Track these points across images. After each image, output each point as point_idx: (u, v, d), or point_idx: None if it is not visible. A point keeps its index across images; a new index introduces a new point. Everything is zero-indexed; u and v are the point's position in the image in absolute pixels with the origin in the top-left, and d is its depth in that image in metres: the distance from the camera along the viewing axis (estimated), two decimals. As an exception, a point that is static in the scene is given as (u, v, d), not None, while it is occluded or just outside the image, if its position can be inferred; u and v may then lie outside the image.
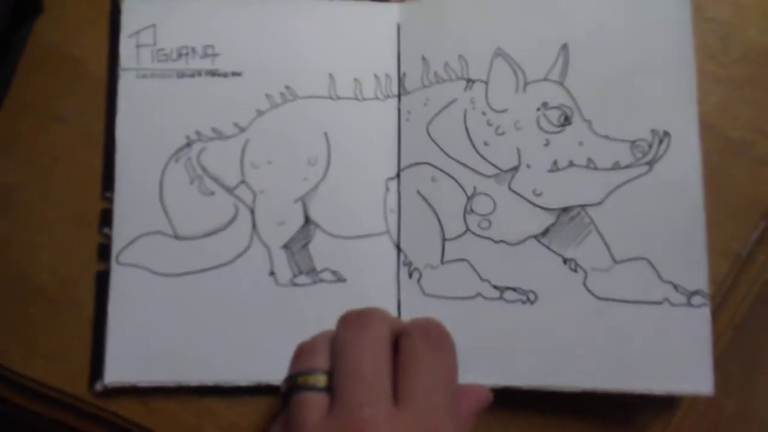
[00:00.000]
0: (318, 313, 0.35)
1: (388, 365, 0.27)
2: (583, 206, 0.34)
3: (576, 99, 0.35)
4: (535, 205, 0.35)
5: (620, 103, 0.35)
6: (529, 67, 0.35)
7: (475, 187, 0.35)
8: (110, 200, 0.36)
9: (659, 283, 0.33)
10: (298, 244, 0.36)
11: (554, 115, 0.35)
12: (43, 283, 0.36)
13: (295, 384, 0.27)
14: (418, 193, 0.36)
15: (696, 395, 0.33)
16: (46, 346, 0.36)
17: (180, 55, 0.37)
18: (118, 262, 0.36)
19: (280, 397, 0.28)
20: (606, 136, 0.34)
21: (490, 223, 0.35)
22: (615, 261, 0.34)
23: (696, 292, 0.33)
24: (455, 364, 0.28)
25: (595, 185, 0.34)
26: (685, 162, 0.34)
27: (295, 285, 0.36)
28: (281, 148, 0.37)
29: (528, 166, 0.35)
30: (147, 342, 0.35)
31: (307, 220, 0.36)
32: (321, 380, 0.27)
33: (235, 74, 0.37)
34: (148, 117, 0.37)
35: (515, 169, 0.35)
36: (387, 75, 0.37)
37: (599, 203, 0.34)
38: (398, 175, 0.36)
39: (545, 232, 0.34)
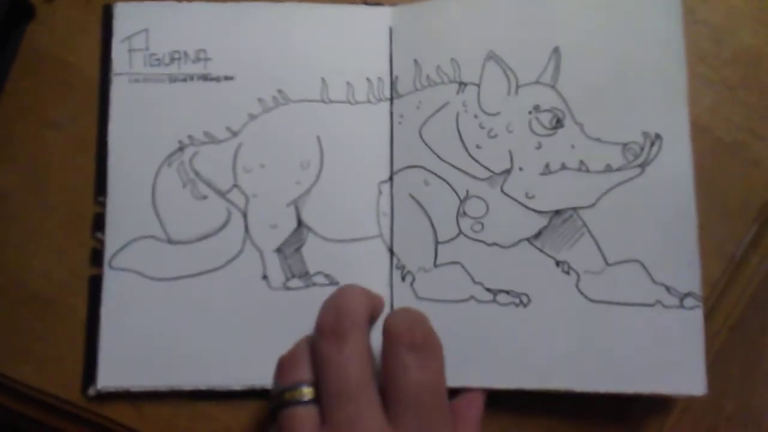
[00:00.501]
0: (311, 317, 0.34)
1: (371, 374, 0.27)
2: (575, 209, 0.34)
3: (567, 102, 0.35)
4: (528, 208, 0.35)
5: (612, 106, 0.35)
6: (521, 70, 0.35)
7: (467, 190, 0.35)
8: (103, 205, 0.36)
9: (652, 286, 0.33)
10: (291, 248, 0.36)
11: (546, 118, 0.35)
12: (36, 288, 0.36)
13: (282, 400, 0.28)
14: (411, 196, 0.36)
15: (689, 396, 0.33)
16: (38, 350, 0.36)
17: (172, 59, 0.37)
18: (111, 266, 0.36)
19: (268, 413, 0.28)
20: (598, 139, 0.34)
21: (482, 225, 0.35)
22: (607, 263, 0.34)
23: (688, 294, 0.33)
24: (442, 364, 0.28)
25: (587, 188, 0.34)
26: (676, 164, 0.34)
27: (288, 289, 0.36)
28: (274, 152, 0.37)
29: (520, 169, 0.35)
30: (140, 346, 0.35)
31: (300, 223, 0.36)
32: (307, 393, 0.27)
33: (227, 78, 0.37)
34: (140, 121, 0.37)
35: (507, 172, 0.35)
36: (379, 78, 0.37)
37: (591, 206, 0.34)
38: (391, 179, 0.36)
39: (538, 235, 0.34)
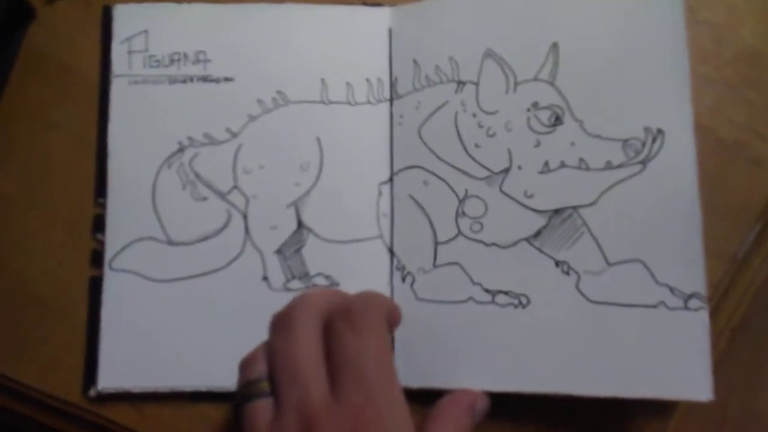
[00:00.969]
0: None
1: (320, 359, 0.27)
2: (575, 208, 0.34)
3: (567, 98, 0.34)
4: (527, 207, 0.34)
5: (612, 103, 0.34)
6: (519, 67, 0.35)
7: (466, 190, 0.35)
8: (103, 206, 0.36)
9: (654, 286, 0.33)
10: (291, 249, 0.36)
11: (545, 116, 0.35)
12: (37, 289, 0.36)
13: (241, 396, 0.28)
14: (410, 197, 0.36)
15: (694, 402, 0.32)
16: (39, 352, 0.36)
17: (172, 61, 0.37)
18: (111, 267, 0.36)
19: (233, 413, 0.29)
20: (598, 136, 0.34)
21: (481, 225, 0.35)
22: (608, 263, 0.33)
23: (693, 295, 0.32)
24: (382, 341, 0.28)
25: (587, 186, 0.34)
26: (680, 162, 0.33)
27: (288, 290, 0.36)
28: (273, 153, 0.37)
29: (519, 168, 0.35)
30: (140, 348, 0.35)
31: (300, 224, 0.36)
32: (264, 387, 0.28)
33: (227, 80, 0.37)
34: (140, 123, 0.37)
35: (506, 171, 0.35)
36: (379, 79, 0.37)
37: (591, 204, 0.34)
38: (391, 179, 0.36)
39: (537, 235, 0.34)
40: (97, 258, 0.36)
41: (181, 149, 0.37)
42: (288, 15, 0.38)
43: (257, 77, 0.37)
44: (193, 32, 0.38)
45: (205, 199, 0.36)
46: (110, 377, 0.35)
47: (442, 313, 0.34)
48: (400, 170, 0.36)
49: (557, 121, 0.34)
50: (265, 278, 0.36)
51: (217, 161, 0.36)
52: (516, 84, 0.35)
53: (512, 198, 0.34)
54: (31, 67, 0.38)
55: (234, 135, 0.37)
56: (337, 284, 0.36)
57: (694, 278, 0.32)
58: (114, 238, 0.36)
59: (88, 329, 0.35)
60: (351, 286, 0.36)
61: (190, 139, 0.37)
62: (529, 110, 0.35)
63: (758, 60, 0.37)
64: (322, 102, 0.37)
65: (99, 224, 0.36)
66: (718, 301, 0.35)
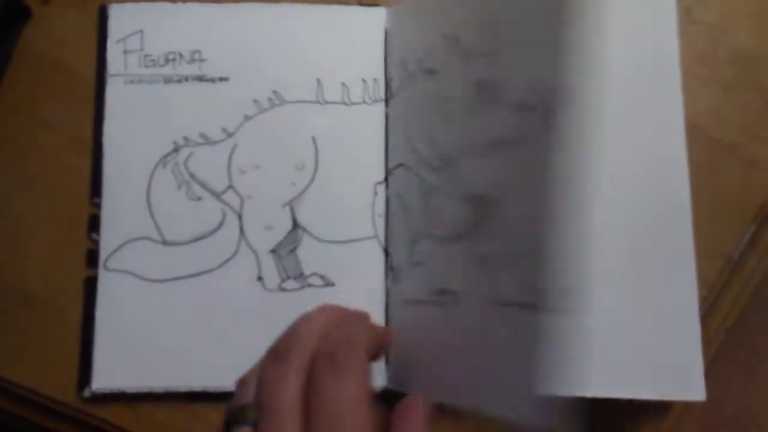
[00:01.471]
0: (306, 318, 0.34)
1: (300, 399, 0.28)
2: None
3: None
4: (464, 198, 0.31)
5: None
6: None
7: (430, 185, 0.34)
8: (98, 206, 0.36)
9: (644, 287, 0.33)
10: (286, 249, 0.36)
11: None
12: (32, 290, 0.36)
13: (230, 417, 0.29)
14: (398, 195, 0.36)
15: (689, 403, 0.33)
16: (34, 351, 0.36)
17: (167, 60, 0.37)
18: (106, 267, 0.35)
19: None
20: None
21: (441, 221, 0.33)
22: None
23: (682, 297, 0.32)
24: (361, 385, 0.28)
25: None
26: (672, 163, 0.33)
27: (283, 290, 0.36)
28: (269, 153, 0.37)
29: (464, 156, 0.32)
30: (135, 348, 0.35)
31: (295, 224, 0.36)
32: (251, 416, 0.28)
33: (222, 79, 0.37)
34: (135, 122, 0.37)
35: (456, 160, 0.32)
36: (375, 79, 0.37)
37: None
38: (386, 179, 0.36)
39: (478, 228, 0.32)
40: (92, 258, 0.36)
41: (176, 149, 0.37)
42: (284, 15, 0.38)
43: (253, 77, 0.37)
44: (189, 32, 0.37)
45: (199, 198, 0.36)
46: (105, 377, 0.35)
47: (414, 314, 0.34)
48: (392, 169, 0.36)
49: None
50: (260, 278, 0.36)
51: (212, 161, 0.36)
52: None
53: (452, 189, 0.32)
54: (27, 66, 0.38)
55: (229, 135, 0.37)
56: (332, 284, 0.36)
57: (685, 280, 0.32)
58: (109, 237, 0.36)
59: (83, 329, 0.35)
60: (346, 286, 0.36)
61: (185, 138, 0.37)
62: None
63: (754, 61, 0.37)
64: (318, 102, 0.37)
65: (94, 224, 0.36)
66: (713, 301, 0.35)
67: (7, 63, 0.38)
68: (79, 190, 0.37)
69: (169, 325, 0.35)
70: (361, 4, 0.38)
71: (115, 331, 0.35)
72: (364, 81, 0.37)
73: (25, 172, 0.37)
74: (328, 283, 0.36)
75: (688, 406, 0.35)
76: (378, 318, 0.35)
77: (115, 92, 0.37)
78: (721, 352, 0.35)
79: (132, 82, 0.37)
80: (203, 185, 0.36)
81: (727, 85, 0.37)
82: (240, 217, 0.36)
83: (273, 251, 0.36)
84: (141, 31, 0.37)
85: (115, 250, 0.36)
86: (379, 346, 0.32)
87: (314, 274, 0.36)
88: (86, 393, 0.35)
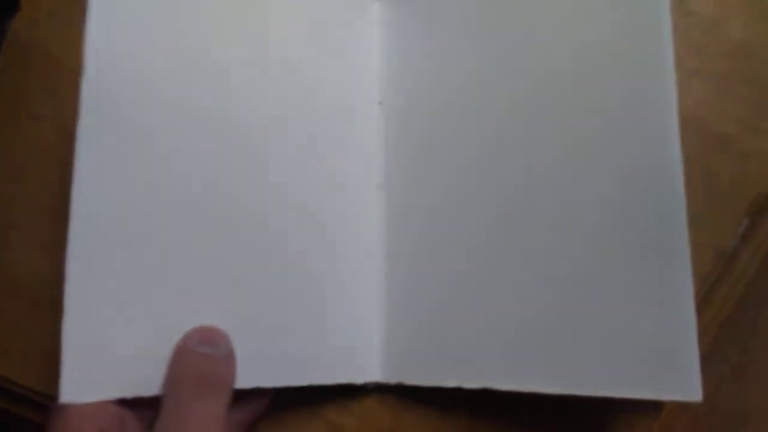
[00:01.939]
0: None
1: None
2: None
3: None
4: None
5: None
6: None
7: None
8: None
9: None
10: None
11: None
12: (22, 283, 0.36)
13: None
14: None
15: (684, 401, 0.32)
16: (25, 346, 0.35)
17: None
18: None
19: None
20: None
21: None
22: None
23: (679, 290, 0.32)
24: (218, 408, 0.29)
25: None
26: (665, 157, 0.33)
27: None
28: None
29: None
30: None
31: None
32: None
33: None
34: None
35: None
36: None
37: None
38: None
39: None
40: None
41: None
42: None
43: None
44: None
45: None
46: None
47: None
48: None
49: None
50: None
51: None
52: None
53: None
54: (16, 58, 0.38)
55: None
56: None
57: (681, 275, 0.31)
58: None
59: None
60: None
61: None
62: None
63: (748, 53, 0.37)
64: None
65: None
66: (705, 294, 0.35)
67: (-4, 54, 0.38)
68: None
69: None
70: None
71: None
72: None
73: (13, 163, 0.37)
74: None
75: (683, 403, 0.34)
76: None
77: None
78: (714, 346, 0.35)
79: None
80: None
81: (721, 77, 0.36)
82: None
83: None
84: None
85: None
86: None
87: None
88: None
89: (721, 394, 0.35)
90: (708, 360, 0.33)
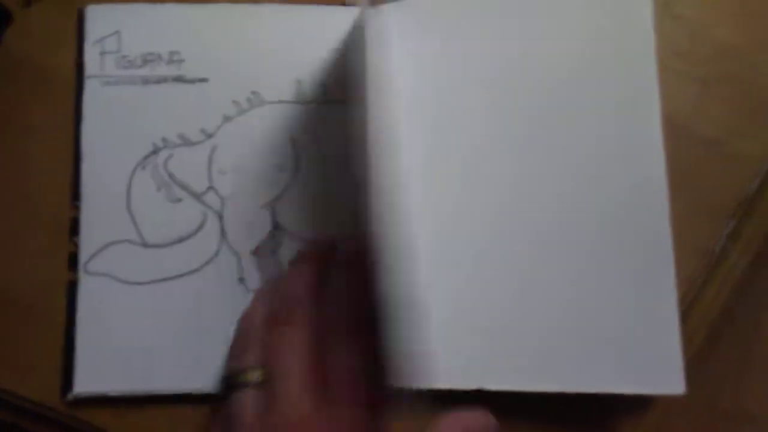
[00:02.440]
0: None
1: (313, 361, 0.28)
2: None
3: None
4: None
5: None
6: None
7: None
8: (78, 209, 0.36)
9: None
10: (267, 250, 0.36)
11: None
12: (15, 293, 0.36)
13: (232, 382, 0.28)
14: None
15: (669, 396, 0.32)
16: (18, 355, 0.35)
17: (145, 61, 0.37)
18: (86, 271, 0.35)
19: (220, 398, 0.28)
20: None
21: None
22: None
23: (661, 292, 0.32)
24: None
25: None
26: (649, 159, 0.33)
27: None
28: (249, 153, 0.36)
29: None
30: (117, 351, 0.35)
31: (276, 225, 0.36)
32: (256, 376, 0.28)
33: (201, 80, 0.37)
34: (113, 124, 0.36)
35: None
36: None
37: None
38: None
39: None
40: (73, 261, 0.36)
41: (155, 150, 0.36)
42: (263, 15, 0.38)
43: (232, 78, 0.37)
44: (167, 32, 0.37)
45: (180, 200, 0.36)
46: (87, 381, 0.34)
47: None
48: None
49: None
50: (241, 279, 0.36)
51: (192, 162, 0.36)
52: None
53: None
54: (9, 70, 0.38)
55: (209, 136, 0.37)
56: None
57: (665, 276, 0.32)
58: (88, 241, 0.36)
59: (65, 333, 0.35)
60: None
61: (164, 140, 0.36)
62: None
63: (734, 56, 0.37)
64: (298, 102, 0.37)
65: (75, 228, 0.36)
66: (694, 296, 0.35)
67: (-13, 67, 0.38)
68: (61, 193, 0.37)
69: (150, 328, 0.35)
70: (344, 4, 0.38)
71: (96, 334, 0.35)
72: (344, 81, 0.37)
73: (8, 175, 0.37)
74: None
75: (678, 401, 0.34)
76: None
77: (92, 94, 0.37)
78: (714, 346, 0.35)
79: (109, 83, 0.37)
80: (183, 187, 0.36)
81: (707, 80, 0.37)
82: (220, 218, 0.36)
83: (254, 252, 0.36)
84: (118, 32, 0.37)
85: (95, 254, 0.35)
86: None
87: (296, 275, 0.36)
88: (70, 397, 0.35)
89: (721, 394, 0.35)
90: (708, 360, 0.33)
